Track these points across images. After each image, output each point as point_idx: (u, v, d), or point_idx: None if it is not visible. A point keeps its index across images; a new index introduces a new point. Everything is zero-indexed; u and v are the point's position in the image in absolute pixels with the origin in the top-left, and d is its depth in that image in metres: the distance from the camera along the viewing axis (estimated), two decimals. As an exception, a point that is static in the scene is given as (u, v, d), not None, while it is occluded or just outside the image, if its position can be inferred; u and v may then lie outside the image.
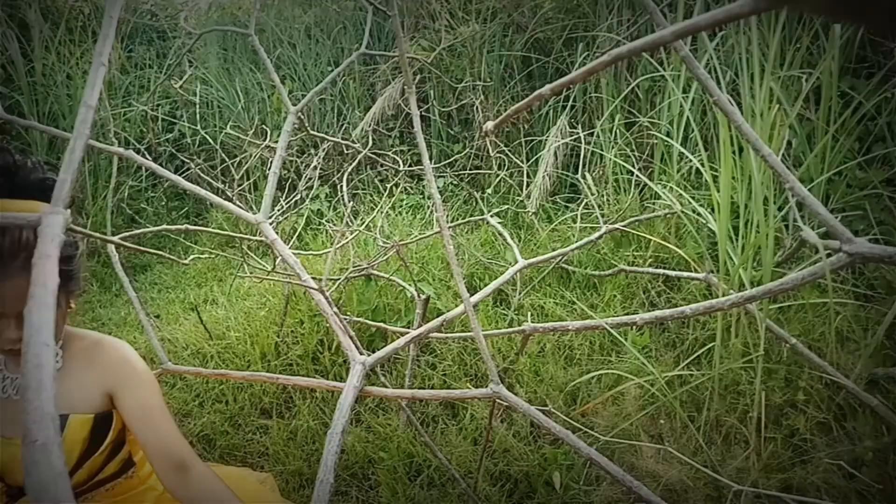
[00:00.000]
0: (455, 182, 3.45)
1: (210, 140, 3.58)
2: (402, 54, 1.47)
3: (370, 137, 3.49)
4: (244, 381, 2.18)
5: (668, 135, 2.42)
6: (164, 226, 2.43)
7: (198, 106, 4.20)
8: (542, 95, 0.92)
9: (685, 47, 1.36)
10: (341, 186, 2.00)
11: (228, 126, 3.84)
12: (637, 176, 2.45)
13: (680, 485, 1.66)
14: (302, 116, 1.83)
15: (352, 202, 3.08)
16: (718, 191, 1.86)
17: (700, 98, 2.52)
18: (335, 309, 1.73)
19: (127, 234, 1.46)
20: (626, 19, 3.17)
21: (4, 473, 1.15)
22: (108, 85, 4.29)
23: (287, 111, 1.93)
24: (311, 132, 1.98)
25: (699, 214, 2.05)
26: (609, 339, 2.14)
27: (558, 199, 2.97)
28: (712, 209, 2.00)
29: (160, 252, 1.22)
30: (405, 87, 1.25)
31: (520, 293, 2.38)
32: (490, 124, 1.14)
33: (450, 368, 2.17)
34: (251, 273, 2.23)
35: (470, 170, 3.44)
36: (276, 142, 3.37)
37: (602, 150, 2.77)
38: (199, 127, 3.86)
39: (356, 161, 2.10)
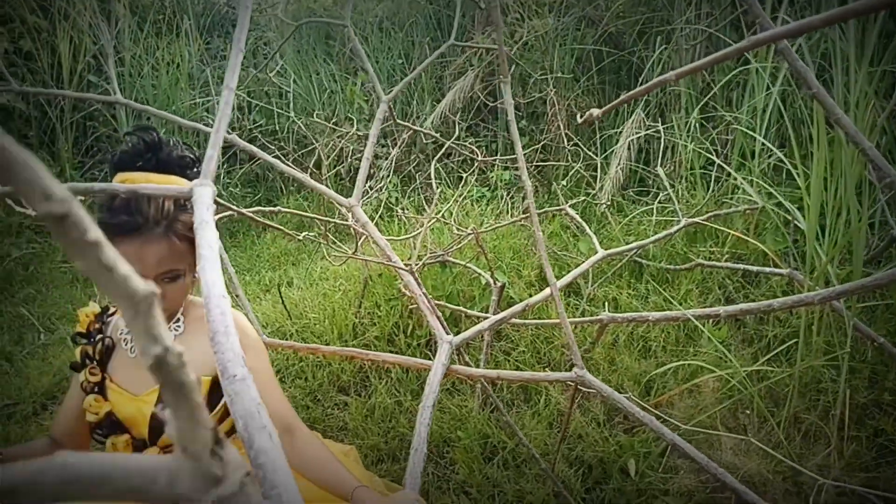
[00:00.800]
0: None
1: (303, 127, 3.72)
2: (500, 45, 1.51)
3: (438, 129, 3.55)
4: (333, 355, 2.27)
5: (751, 129, 2.39)
6: (260, 207, 2.56)
7: (271, 96, 4.36)
8: (666, 80, 0.96)
9: (784, 39, 1.36)
10: (428, 174, 2.06)
11: (304, 116, 3.96)
12: (715, 170, 2.42)
13: (759, 478, 1.66)
14: (392, 105, 1.90)
15: (427, 191, 3.15)
16: (807, 186, 1.84)
17: (782, 94, 2.47)
18: (423, 290, 1.80)
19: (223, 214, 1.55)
20: (704, 13, 3.13)
21: (131, 427, 1.25)
22: (187, 76, 4.49)
23: (378, 99, 2.00)
24: (399, 122, 2.05)
25: (785, 210, 2.03)
26: (685, 332, 2.14)
27: (630, 193, 2.96)
28: (798, 205, 1.98)
29: (280, 227, 1.30)
30: (501, 77, 1.30)
31: (593, 285, 2.40)
32: (597, 111, 1.18)
33: (523, 356, 2.21)
34: (332, 255, 2.33)
35: (537, 163, 3.46)
36: (351, 130, 3.47)
37: (677, 143, 2.75)
38: (273, 116, 4.01)
39: (444, 149, 2.16)
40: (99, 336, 1.29)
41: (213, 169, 1.02)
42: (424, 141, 3.35)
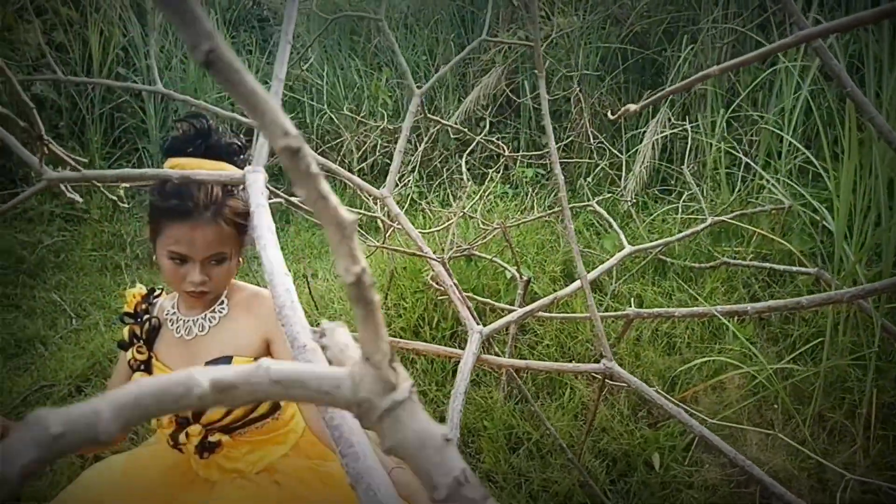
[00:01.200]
0: (543, 172, 3.50)
1: (335, 119, 3.77)
2: (537, 39, 1.54)
3: (462, 126, 3.58)
4: None
5: (778, 128, 2.39)
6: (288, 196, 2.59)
7: (295, 91, 4.41)
8: (710, 74, 0.98)
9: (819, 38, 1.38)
10: (453, 169, 2.09)
11: (330, 110, 4.01)
12: (741, 170, 2.43)
13: (784, 473, 1.68)
14: (424, 99, 1.93)
15: (451, 186, 3.18)
16: (836, 186, 1.85)
17: (811, 94, 2.47)
18: (454, 280, 1.83)
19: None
20: (732, 13, 3.13)
21: (176, 405, 1.29)
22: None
23: (410, 93, 2.03)
24: (429, 116, 2.08)
25: (813, 209, 2.04)
26: (710, 330, 2.15)
27: (655, 191, 2.98)
28: (826, 205, 1.99)
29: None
30: (536, 72, 1.32)
31: (617, 281, 2.42)
32: (634, 106, 1.21)
33: (547, 350, 2.23)
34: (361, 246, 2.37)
35: (560, 160, 3.48)
36: (379, 124, 3.50)
37: (702, 143, 2.76)
38: (300, 110, 4.06)
39: (473, 144, 2.19)
40: (146, 316, 1.33)
41: (264, 156, 1.06)
42: (452, 136, 3.39)
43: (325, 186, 0.22)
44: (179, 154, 1.23)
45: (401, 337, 2.40)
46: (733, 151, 2.54)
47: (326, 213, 0.22)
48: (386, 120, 3.30)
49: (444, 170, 3.42)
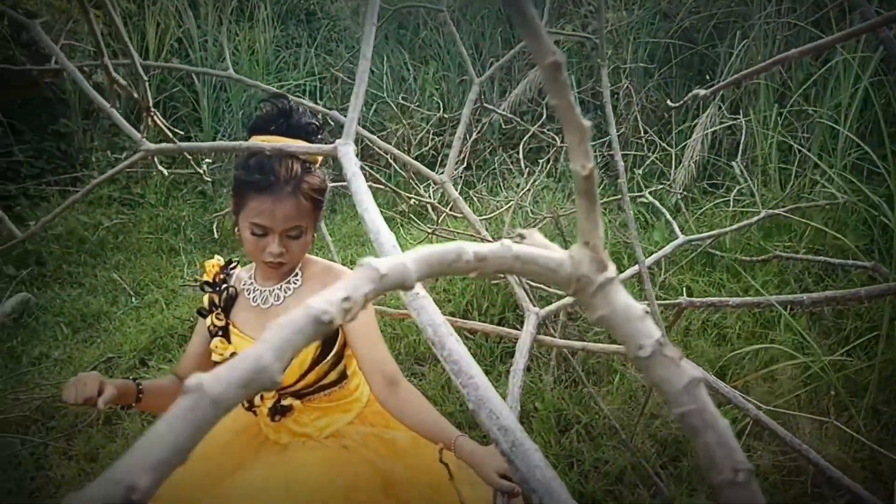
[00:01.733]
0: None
1: (393, 106, 3.84)
2: (601, 29, 1.58)
3: (507, 119, 3.62)
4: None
5: (834, 122, 2.38)
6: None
7: (338, 82, 4.51)
8: (788, 57, 1.01)
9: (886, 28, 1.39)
10: (504, 158, 2.14)
11: (375, 102, 4.09)
12: (795, 164, 2.43)
13: (837, 462, 1.69)
14: (484, 88, 1.98)
15: (498, 177, 3.23)
16: (895, 180, 1.85)
17: (871, 85, 2.45)
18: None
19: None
20: (785, 7, 3.11)
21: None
22: (265, 62, 4.67)
23: (455, 86, 2.09)
24: (486, 105, 2.13)
25: (869, 204, 2.03)
26: (760, 322, 2.16)
27: (704, 185, 2.98)
28: (885, 199, 1.98)
29: (397, 191, 1.40)
30: (599, 61, 1.36)
31: (666, 272, 2.44)
32: (702, 91, 1.24)
33: (597, 337, 2.27)
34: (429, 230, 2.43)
35: (606, 154, 3.49)
36: (427, 114, 3.54)
37: (754, 137, 2.76)
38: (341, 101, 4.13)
39: (528, 134, 2.24)
40: (224, 286, 1.41)
41: (353, 130, 1.12)
42: (503, 125, 3.44)
43: (571, 97, 0.27)
44: (262, 132, 1.30)
45: (450, 321, 2.46)
46: (789, 141, 2.53)
47: (571, 119, 0.28)
48: (442, 109, 3.36)
49: (495, 160, 3.47)
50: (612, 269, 0.30)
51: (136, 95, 1.10)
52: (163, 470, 0.18)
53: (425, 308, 0.68)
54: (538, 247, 0.35)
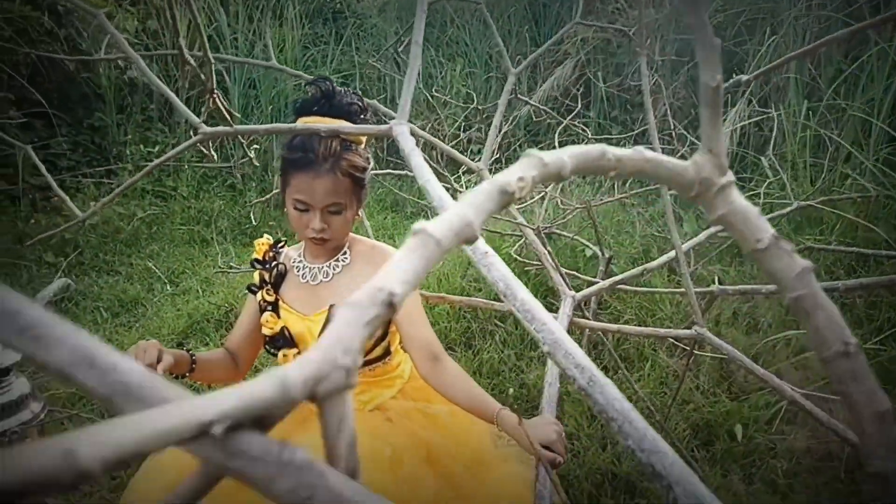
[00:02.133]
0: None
1: (431, 97, 3.88)
2: (641, 19, 1.61)
3: (532, 114, 3.67)
4: (460, 304, 2.43)
5: (867, 115, 2.39)
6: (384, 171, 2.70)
7: (363, 79, 4.57)
8: (833, 40, 1.04)
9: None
10: (544, 148, 2.17)
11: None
12: (827, 158, 2.44)
13: (871, 448, 1.70)
14: (519, 79, 2.02)
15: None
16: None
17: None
18: (549, 248, 1.92)
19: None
20: (815, 3, 3.12)
21: (300, 343, 1.41)
22: (293, 60, 4.75)
23: (508, 73, 2.13)
24: (519, 96, 2.17)
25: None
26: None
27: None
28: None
29: (443, 172, 1.45)
30: (637, 49, 1.39)
31: (696, 263, 2.46)
32: (745, 77, 1.27)
33: (628, 325, 2.29)
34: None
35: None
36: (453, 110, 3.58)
37: (784, 131, 2.77)
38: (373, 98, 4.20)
39: (561, 126, 2.28)
40: (273, 263, 1.46)
41: (407, 110, 1.17)
42: (534, 118, 3.48)
43: (706, 17, 0.31)
44: (307, 114, 1.34)
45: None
46: (822, 133, 2.54)
47: (704, 36, 0.32)
48: (476, 101, 3.41)
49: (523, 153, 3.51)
50: (730, 173, 0.34)
51: (202, 76, 1.16)
52: (411, 284, 0.23)
53: (494, 265, 0.72)
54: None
